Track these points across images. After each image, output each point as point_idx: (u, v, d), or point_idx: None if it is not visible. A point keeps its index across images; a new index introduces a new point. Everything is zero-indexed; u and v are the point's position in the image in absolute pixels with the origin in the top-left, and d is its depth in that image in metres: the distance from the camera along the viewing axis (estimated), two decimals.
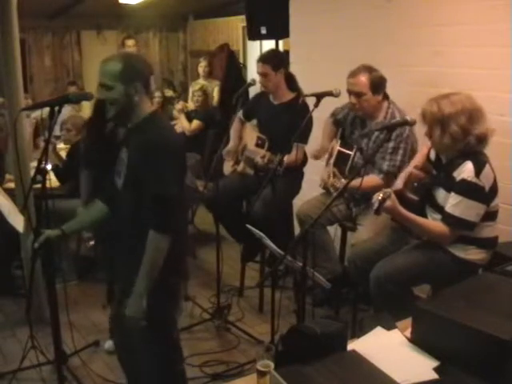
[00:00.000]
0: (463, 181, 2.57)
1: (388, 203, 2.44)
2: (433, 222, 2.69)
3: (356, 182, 2.59)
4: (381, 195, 2.38)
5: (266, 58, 3.77)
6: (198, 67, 6.67)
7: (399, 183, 2.85)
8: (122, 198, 2.27)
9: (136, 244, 2.17)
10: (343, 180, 3.12)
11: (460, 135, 2.56)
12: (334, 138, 3.54)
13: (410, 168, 2.89)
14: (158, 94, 6.76)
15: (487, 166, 2.59)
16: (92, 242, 4.17)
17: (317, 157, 3.59)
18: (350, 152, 3.35)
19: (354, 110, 3.32)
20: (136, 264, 2.15)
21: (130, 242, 2.24)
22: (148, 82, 2.17)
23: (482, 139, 2.59)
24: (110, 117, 2.20)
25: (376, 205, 2.38)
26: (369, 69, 3.17)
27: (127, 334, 2.34)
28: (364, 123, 3.34)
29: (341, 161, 3.36)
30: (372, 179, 3.17)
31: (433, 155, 2.87)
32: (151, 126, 2.18)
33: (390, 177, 3.14)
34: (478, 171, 2.55)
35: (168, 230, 2.13)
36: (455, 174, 2.61)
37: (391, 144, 3.10)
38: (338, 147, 3.42)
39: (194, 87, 6.46)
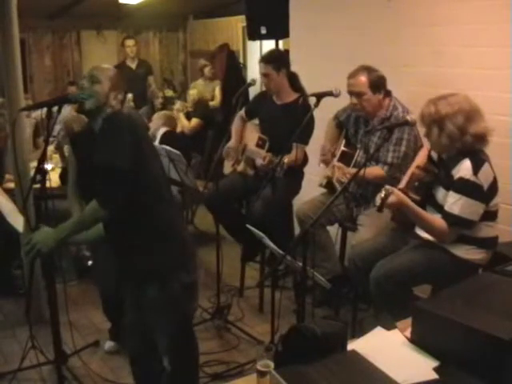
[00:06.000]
0: (461, 179, 2.57)
1: (392, 198, 2.46)
2: (437, 219, 2.67)
3: (360, 173, 2.60)
4: (383, 193, 2.42)
5: (267, 59, 3.75)
6: (204, 69, 6.65)
7: (402, 183, 2.87)
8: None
9: (126, 236, 2.28)
10: (350, 169, 3.12)
11: (457, 135, 2.57)
12: (337, 140, 3.53)
13: (412, 168, 2.90)
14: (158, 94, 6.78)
15: (486, 164, 2.58)
16: (90, 262, 4.19)
17: (325, 161, 3.48)
18: (353, 152, 3.35)
19: (355, 111, 3.32)
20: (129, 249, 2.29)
21: (121, 238, 2.31)
22: (124, 97, 2.40)
23: (480, 138, 2.59)
24: (84, 109, 2.27)
25: (378, 202, 2.41)
26: (368, 69, 3.19)
27: (147, 333, 2.37)
28: (367, 121, 3.34)
29: (344, 160, 3.36)
30: (375, 168, 3.18)
31: (435, 155, 2.86)
32: (110, 119, 2.24)
33: (394, 169, 3.15)
34: (476, 169, 2.55)
35: (108, 206, 2.13)
36: (453, 171, 2.61)
37: (395, 135, 3.08)
38: (341, 147, 3.43)
39: (191, 89, 6.48)
